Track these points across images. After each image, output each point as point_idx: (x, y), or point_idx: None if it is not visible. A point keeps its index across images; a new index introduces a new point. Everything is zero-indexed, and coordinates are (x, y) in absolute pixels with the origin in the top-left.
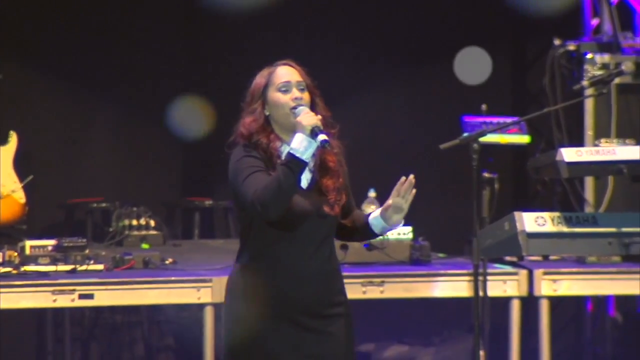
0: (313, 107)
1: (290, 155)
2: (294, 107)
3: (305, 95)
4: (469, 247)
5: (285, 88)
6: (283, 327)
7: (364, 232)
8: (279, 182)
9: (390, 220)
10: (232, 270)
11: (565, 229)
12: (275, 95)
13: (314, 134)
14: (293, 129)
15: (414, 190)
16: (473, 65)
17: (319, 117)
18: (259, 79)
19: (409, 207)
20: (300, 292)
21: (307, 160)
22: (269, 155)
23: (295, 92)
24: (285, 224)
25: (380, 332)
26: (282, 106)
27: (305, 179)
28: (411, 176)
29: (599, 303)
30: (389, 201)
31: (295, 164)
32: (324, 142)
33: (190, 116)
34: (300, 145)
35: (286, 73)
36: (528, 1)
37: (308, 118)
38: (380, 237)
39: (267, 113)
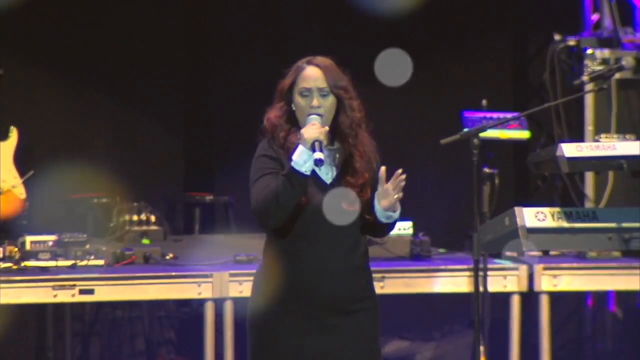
0: (339, 111)
1: (291, 168)
2: (309, 115)
3: (327, 102)
4: (469, 242)
5: (307, 94)
6: (305, 323)
7: (379, 224)
8: (277, 194)
9: (380, 203)
10: (258, 266)
11: (565, 224)
12: (297, 98)
13: (313, 148)
14: None
15: (402, 183)
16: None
17: (325, 129)
18: (287, 77)
19: (397, 199)
20: (323, 288)
21: (307, 174)
22: (286, 150)
23: (315, 101)
24: (306, 220)
25: (380, 328)
26: (301, 110)
27: (329, 175)
28: (400, 172)
29: (599, 298)
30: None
31: (295, 177)
32: (317, 160)
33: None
34: (300, 158)
35: (310, 77)
36: None
37: (310, 131)
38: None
39: (294, 108)
